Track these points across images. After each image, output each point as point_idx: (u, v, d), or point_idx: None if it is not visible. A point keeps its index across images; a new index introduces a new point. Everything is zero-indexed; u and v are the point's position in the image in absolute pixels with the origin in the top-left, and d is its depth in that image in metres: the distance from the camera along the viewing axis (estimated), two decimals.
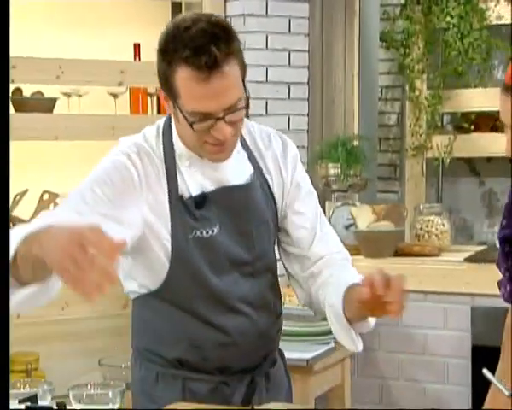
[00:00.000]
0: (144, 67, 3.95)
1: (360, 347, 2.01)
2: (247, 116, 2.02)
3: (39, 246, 1.66)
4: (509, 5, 4.39)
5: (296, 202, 2.15)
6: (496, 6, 4.47)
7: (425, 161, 4.65)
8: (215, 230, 2.02)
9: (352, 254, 3.72)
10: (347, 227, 3.93)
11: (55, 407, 1.96)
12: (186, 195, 2.02)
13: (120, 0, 3.96)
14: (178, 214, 2.00)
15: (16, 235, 1.72)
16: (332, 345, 3.38)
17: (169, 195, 2.01)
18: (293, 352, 3.24)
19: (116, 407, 2.02)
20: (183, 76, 1.88)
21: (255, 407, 1.82)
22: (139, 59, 3.99)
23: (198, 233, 2.01)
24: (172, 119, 2.03)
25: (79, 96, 3.89)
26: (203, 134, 1.93)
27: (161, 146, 2.04)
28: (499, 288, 2.01)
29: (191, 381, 2.08)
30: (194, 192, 2.02)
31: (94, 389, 2.05)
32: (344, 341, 2.02)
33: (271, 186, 2.12)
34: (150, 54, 3.95)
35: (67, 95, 3.87)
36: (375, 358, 3.72)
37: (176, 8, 4.21)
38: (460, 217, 4.89)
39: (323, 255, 2.14)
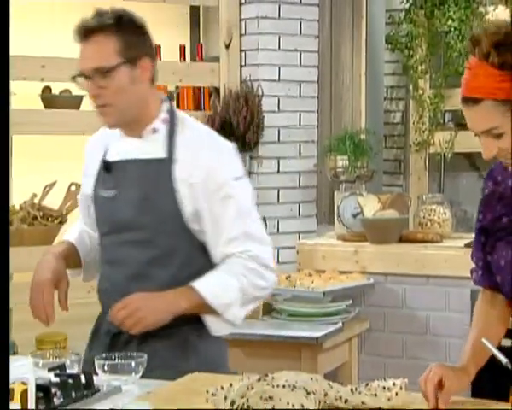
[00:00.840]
0: (164, 66, 3.97)
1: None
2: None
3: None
4: (507, 9, 4.39)
5: (205, 203, 2.22)
6: (494, 10, 4.46)
7: (428, 156, 4.64)
8: (111, 193, 2.26)
9: (358, 241, 3.81)
10: (355, 215, 3.94)
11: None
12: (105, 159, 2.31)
13: (142, 4, 3.97)
14: (97, 175, 2.32)
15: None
16: (340, 325, 3.39)
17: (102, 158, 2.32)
18: (303, 331, 3.26)
19: (138, 376, 2.05)
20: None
21: (268, 375, 1.82)
22: (159, 59, 4.00)
23: (100, 192, 2.29)
24: None
25: None
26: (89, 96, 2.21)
27: None
28: (471, 274, 2.02)
29: None
30: (107, 159, 2.30)
31: (117, 359, 2.08)
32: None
33: (174, 176, 2.21)
34: (170, 54, 4.01)
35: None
36: (381, 338, 3.72)
37: (194, 12, 4.22)
38: (461, 209, 4.87)
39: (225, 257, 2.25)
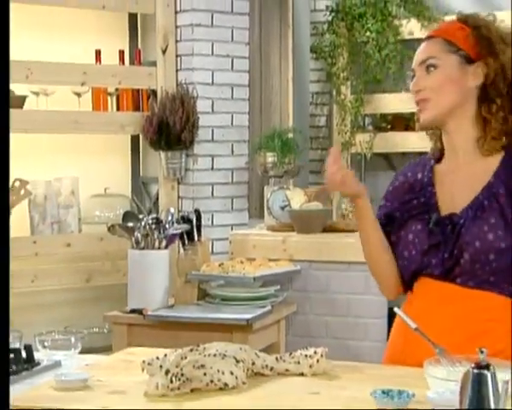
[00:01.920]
0: (104, 70, 3.93)
1: None
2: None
3: None
4: (419, 23, 4.47)
5: None
6: (408, 23, 4.54)
7: (350, 156, 4.68)
8: None
9: (286, 231, 3.81)
10: (283, 208, 3.95)
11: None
12: None
13: (84, 11, 3.91)
14: None
15: None
16: (269, 308, 3.38)
17: None
18: (234, 314, 3.24)
19: (77, 351, 2.00)
20: None
21: (199, 345, 1.81)
22: (100, 62, 3.95)
23: None
24: None
25: (46, 94, 3.83)
26: None
27: None
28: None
29: None
30: None
31: (57, 335, 2.03)
32: None
33: None
34: (109, 58, 3.96)
35: (36, 93, 3.82)
36: (306, 320, 3.73)
37: (132, 19, 4.18)
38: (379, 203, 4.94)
39: None
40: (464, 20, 1.88)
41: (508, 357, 1.63)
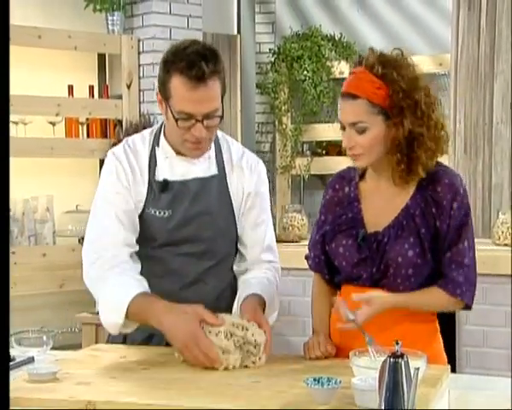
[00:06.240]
0: (76, 102, 3.90)
1: None
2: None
3: (158, 322, 1.77)
4: (348, 64, 4.54)
5: (253, 210, 2.00)
6: (339, 64, 4.61)
7: (290, 178, 4.72)
8: (166, 213, 1.92)
9: None
10: None
11: None
12: (159, 180, 1.94)
13: (58, 51, 3.88)
14: (150, 194, 1.93)
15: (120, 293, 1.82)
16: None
17: (148, 178, 1.94)
18: None
19: (49, 348, 1.96)
20: (177, 83, 1.83)
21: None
22: (72, 96, 3.91)
23: (152, 210, 1.92)
24: (164, 123, 1.96)
25: (25, 123, 3.79)
26: (185, 132, 1.86)
27: (148, 145, 1.97)
28: (307, 260, 2.00)
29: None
30: (161, 178, 1.94)
31: (31, 333, 1.99)
32: None
33: (230, 189, 1.98)
34: (80, 92, 3.93)
35: (15, 123, 3.76)
36: None
37: (101, 58, 4.15)
38: (316, 217, 4.97)
39: (258, 262, 2.01)
40: (381, 75, 1.77)
41: (426, 352, 1.64)
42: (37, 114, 3.77)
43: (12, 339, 1.93)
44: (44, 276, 3.75)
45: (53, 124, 3.85)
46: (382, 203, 1.87)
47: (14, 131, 3.75)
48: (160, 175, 1.94)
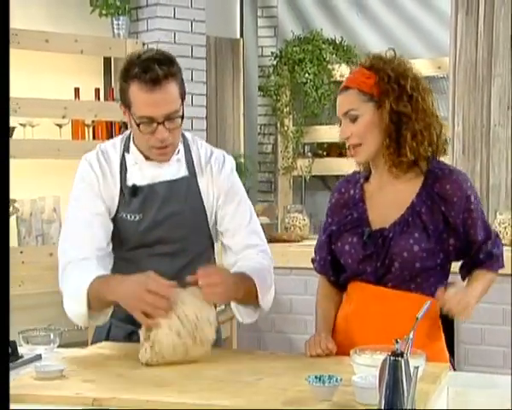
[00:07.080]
0: (82, 105, 3.89)
1: (245, 320, 1.96)
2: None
3: (113, 294, 1.79)
4: (348, 67, 4.53)
5: (230, 203, 1.99)
6: (339, 67, 4.61)
7: (292, 179, 4.72)
8: (137, 217, 1.94)
9: None
10: None
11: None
12: (128, 185, 1.95)
13: (65, 55, 3.88)
14: (121, 198, 1.95)
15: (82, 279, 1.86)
16: (223, 307, 3.36)
17: (120, 184, 1.96)
18: None
19: (56, 346, 1.96)
20: (134, 88, 1.85)
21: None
22: (78, 98, 3.91)
23: (124, 215, 1.95)
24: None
25: (32, 126, 3.78)
26: (150, 138, 1.87)
27: (119, 151, 1.98)
28: (312, 263, 2.01)
29: (114, 327, 2.02)
30: (131, 183, 1.95)
31: (38, 332, 1.99)
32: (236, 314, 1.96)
33: (200, 189, 1.98)
34: (87, 95, 3.93)
35: (23, 125, 3.76)
36: None
37: (106, 61, 4.15)
38: (318, 219, 4.97)
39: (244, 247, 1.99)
40: (369, 66, 1.86)
41: (428, 348, 1.63)
42: (44, 117, 3.77)
43: (20, 337, 1.94)
44: (51, 275, 3.70)
45: (60, 126, 3.84)
46: (387, 202, 1.88)
47: (21, 134, 3.75)
48: (130, 180, 1.95)
